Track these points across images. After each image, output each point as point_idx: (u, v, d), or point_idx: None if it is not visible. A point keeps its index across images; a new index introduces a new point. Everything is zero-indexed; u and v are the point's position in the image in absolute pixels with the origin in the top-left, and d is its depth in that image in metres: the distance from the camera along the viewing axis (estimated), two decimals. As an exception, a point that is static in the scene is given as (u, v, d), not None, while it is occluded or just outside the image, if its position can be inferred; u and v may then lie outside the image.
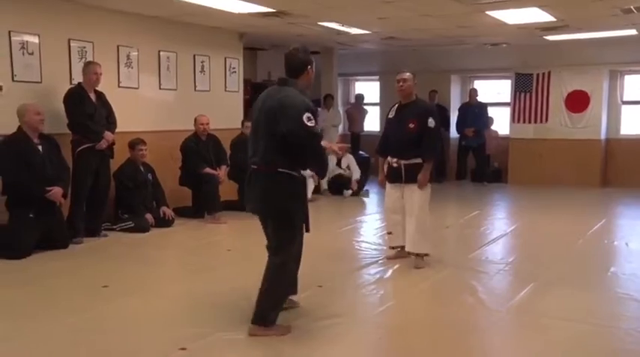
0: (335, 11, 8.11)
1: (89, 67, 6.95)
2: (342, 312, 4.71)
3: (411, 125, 5.75)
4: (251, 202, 4.21)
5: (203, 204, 8.36)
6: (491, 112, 12.88)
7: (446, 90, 13.24)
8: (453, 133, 13.04)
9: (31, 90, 6.85)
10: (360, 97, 13.96)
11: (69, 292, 5.14)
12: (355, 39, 10.80)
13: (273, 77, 12.66)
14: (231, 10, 7.90)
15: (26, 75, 6.88)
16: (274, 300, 4.16)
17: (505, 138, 12.89)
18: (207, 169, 8.31)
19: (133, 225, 7.46)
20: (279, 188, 4.03)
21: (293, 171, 4.05)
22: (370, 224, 7.95)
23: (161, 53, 8.67)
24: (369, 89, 14.54)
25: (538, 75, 12.39)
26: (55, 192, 6.31)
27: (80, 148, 6.84)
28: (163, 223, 7.77)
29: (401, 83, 5.86)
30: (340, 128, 13.29)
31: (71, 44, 7.38)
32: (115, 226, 7.46)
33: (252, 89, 11.44)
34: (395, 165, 5.88)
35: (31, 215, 6.24)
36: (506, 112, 13.01)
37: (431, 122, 5.73)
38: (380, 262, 6.12)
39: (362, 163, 10.98)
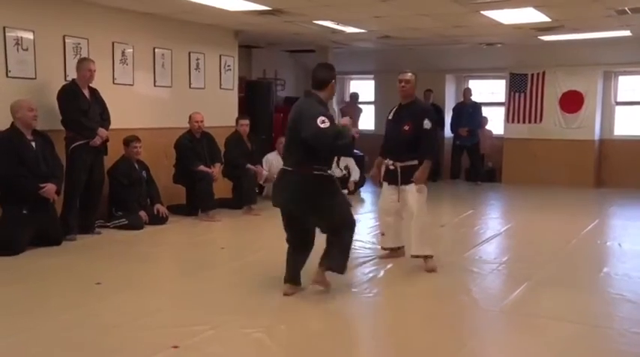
0: (331, 9, 8.10)
1: (83, 63, 6.93)
2: (335, 310, 4.72)
3: (406, 127, 5.72)
4: (285, 200, 4.78)
5: (197, 202, 8.35)
6: (486, 111, 12.90)
7: (441, 89, 13.26)
8: (447, 132, 13.06)
9: (25, 86, 6.82)
10: (354, 96, 13.95)
11: (62, 289, 5.14)
12: (350, 38, 10.80)
13: (268, 75, 12.66)
14: (226, 8, 7.89)
15: (21, 71, 6.85)
16: (347, 255, 4.97)
17: (499, 138, 12.92)
18: (202, 167, 8.30)
19: (126, 222, 7.44)
20: (316, 186, 4.67)
21: (322, 171, 4.70)
22: (364, 223, 7.95)
23: (156, 50, 8.64)
24: (364, 88, 14.54)
25: (533, 75, 12.42)
26: (49, 188, 6.30)
27: (74, 145, 6.82)
28: (157, 220, 7.76)
29: (403, 84, 5.80)
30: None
31: (66, 40, 7.35)
32: (108, 224, 7.44)
33: (247, 87, 11.42)
34: (391, 167, 5.85)
35: (24, 212, 6.22)
36: (501, 111, 13.04)
37: (427, 124, 5.67)
38: (373, 261, 6.12)
39: (357, 161, 10.96)
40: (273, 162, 10.01)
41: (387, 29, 9.89)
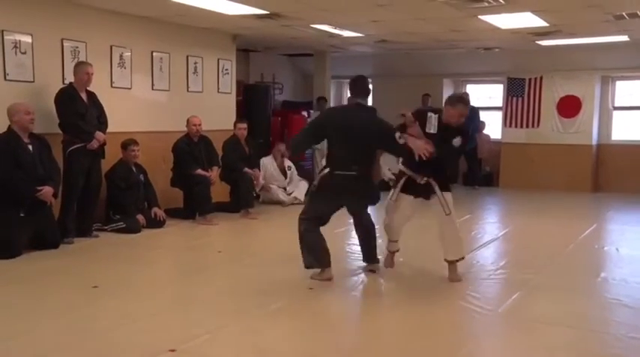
0: (329, 14, 8.11)
1: (80, 67, 6.93)
2: (333, 314, 4.72)
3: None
4: (352, 201, 5.57)
5: (194, 205, 8.34)
6: (484, 116, 12.91)
7: (438, 94, 13.20)
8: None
9: (23, 89, 6.81)
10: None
11: (59, 292, 5.12)
12: (348, 42, 10.82)
13: (265, 79, 12.66)
14: (224, 12, 7.90)
15: (19, 74, 6.84)
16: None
17: (497, 142, 12.94)
18: (199, 171, 8.30)
19: (124, 225, 7.43)
20: (372, 184, 5.58)
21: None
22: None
23: (154, 54, 8.65)
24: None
25: (530, 80, 12.45)
26: (46, 191, 6.29)
27: (71, 148, 6.82)
28: (155, 223, 7.75)
29: (462, 119, 5.63)
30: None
31: (64, 44, 7.35)
32: (106, 227, 7.43)
33: (245, 91, 11.43)
34: (423, 182, 5.55)
35: (22, 215, 6.22)
36: (499, 116, 13.06)
37: (456, 141, 5.48)
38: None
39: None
40: (268, 166, 10.02)
41: (385, 33, 9.90)
